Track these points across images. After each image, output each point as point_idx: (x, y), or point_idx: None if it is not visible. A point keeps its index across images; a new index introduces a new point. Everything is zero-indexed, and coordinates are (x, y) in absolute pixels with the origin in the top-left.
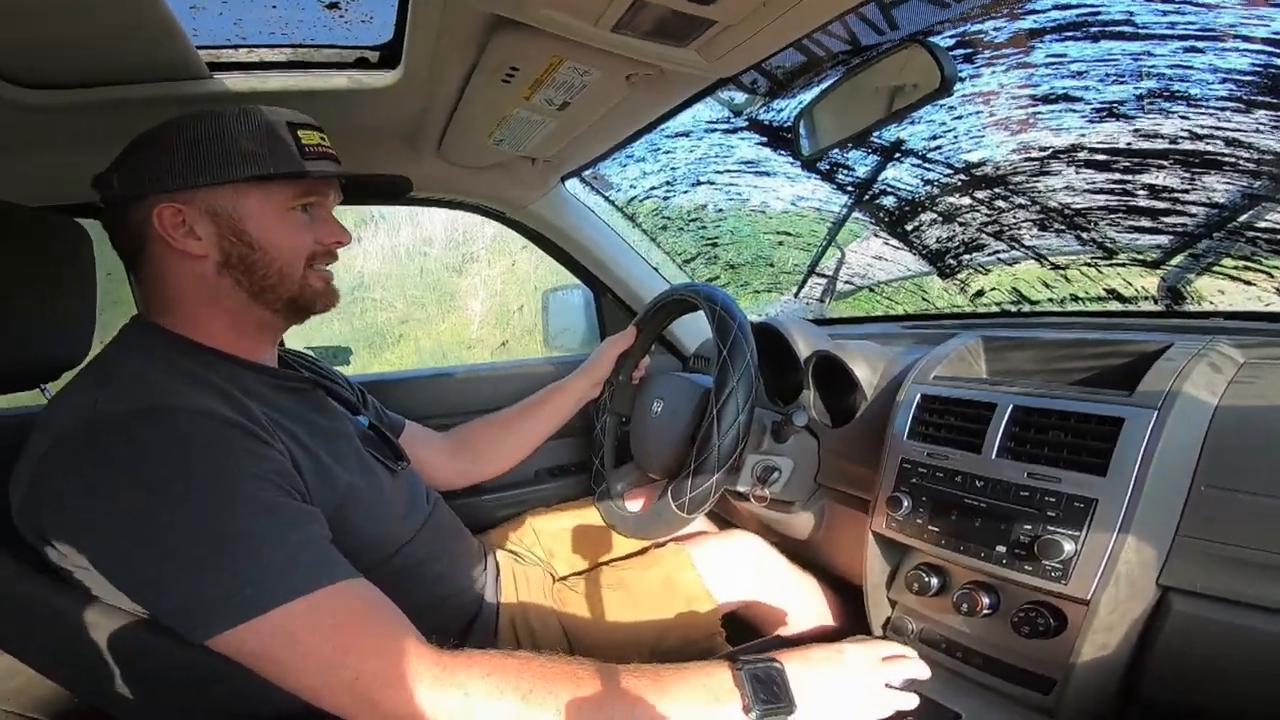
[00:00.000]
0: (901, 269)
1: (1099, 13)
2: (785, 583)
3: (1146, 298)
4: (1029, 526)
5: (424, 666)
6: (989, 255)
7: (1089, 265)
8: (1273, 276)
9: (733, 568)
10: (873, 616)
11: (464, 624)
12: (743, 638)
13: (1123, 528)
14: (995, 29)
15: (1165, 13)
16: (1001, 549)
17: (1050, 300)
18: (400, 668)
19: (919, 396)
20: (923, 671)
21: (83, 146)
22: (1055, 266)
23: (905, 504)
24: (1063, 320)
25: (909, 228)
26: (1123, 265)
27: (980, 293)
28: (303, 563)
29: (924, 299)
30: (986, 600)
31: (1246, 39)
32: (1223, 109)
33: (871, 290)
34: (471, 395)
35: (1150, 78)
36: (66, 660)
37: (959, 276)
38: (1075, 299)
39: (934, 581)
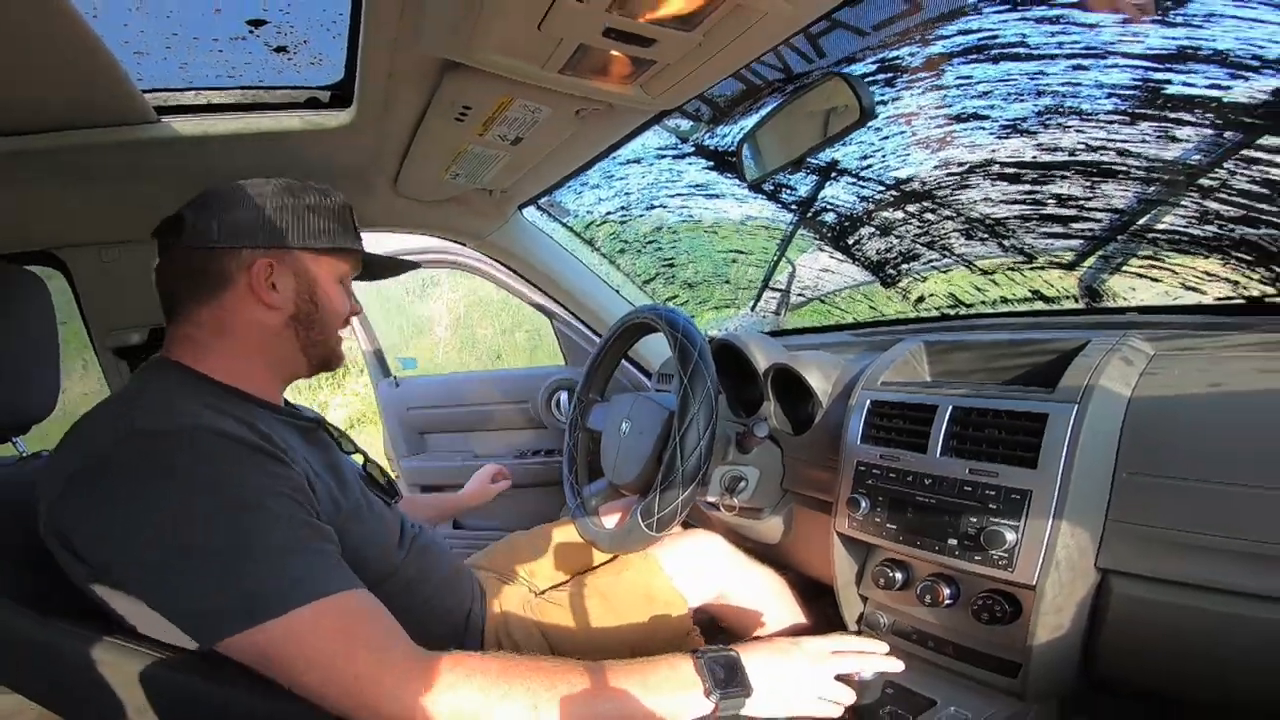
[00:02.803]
0: (848, 280)
1: (996, 36)
2: (752, 578)
3: (1068, 296)
4: (974, 519)
5: (417, 668)
6: (924, 264)
7: (1013, 269)
8: (1175, 273)
9: (700, 567)
10: (846, 614)
11: (453, 639)
12: (717, 635)
13: (1056, 515)
14: (910, 54)
15: (1053, 34)
16: (953, 542)
17: (983, 303)
18: (396, 669)
19: (869, 402)
20: (894, 665)
21: (32, 193)
22: (984, 272)
23: (863, 504)
24: (995, 322)
25: (850, 241)
26: (1042, 268)
27: (921, 299)
28: (314, 572)
29: (871, 307)
30: (947, 591)
31: (1125, 55)
32: (1110, 122)
33: (822, 301)
34: None
35: (1046, 95)
36: (72, 696)
37: (900, 285)
38: (1005, 300)
39: (898, 576)
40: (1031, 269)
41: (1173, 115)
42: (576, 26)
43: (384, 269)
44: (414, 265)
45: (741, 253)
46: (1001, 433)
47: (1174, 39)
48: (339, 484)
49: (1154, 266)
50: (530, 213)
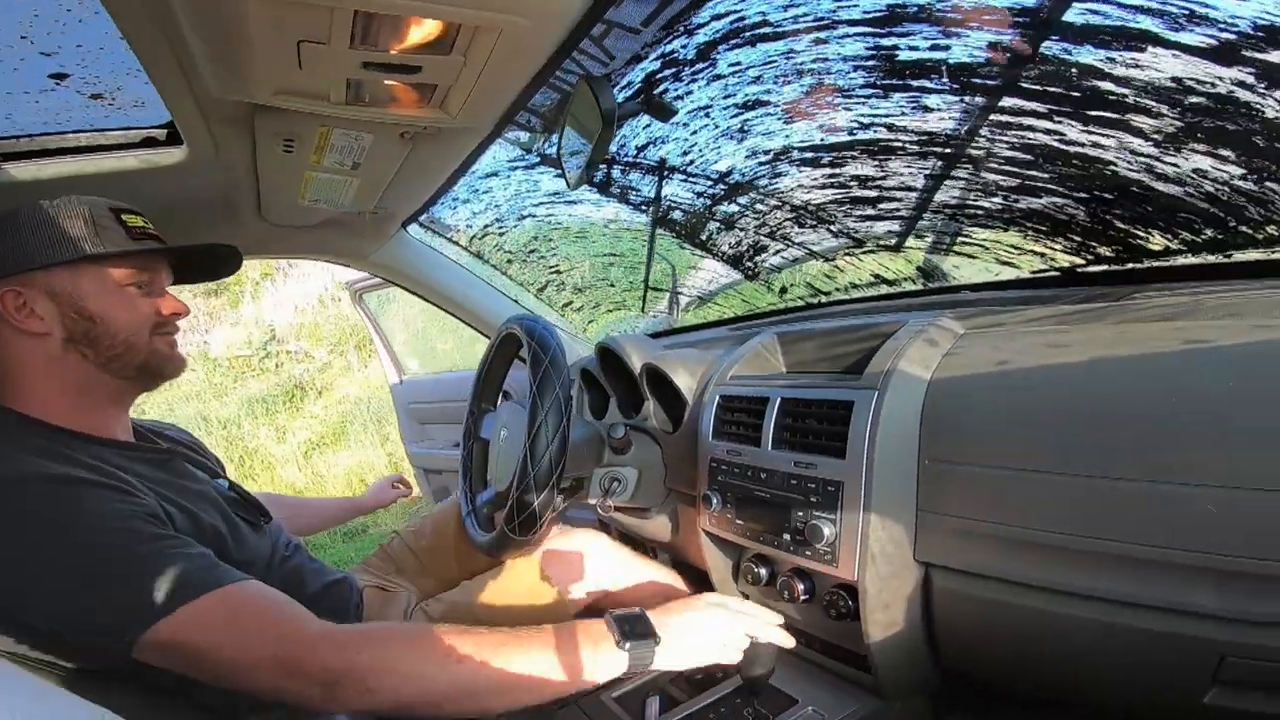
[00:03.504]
0: (720, 276)
1: (743, 17)
2: (637, 574)
3: (907, 278)
4: (800, 513)
5: (332, 633)
6: (774, 254)
7: (849, 255)
8: (987, 248)
9: (581, 566)
10: None
11: None
12: None
13: (865, 507)
14: (682, 46)
15: (785, 7)
16: (786, 536)
17: (837, 289)
18: (311, 637)
19: (718, 398)
20: (786, 639)
21: None
22: (826, 259)
23: (715, 501)
24: (849, 307)
25: (703, 238)
26: (873, 252)
27: (784, 289)
28: (202, 568)
29: (744, 301)
30: (801, 587)
31: (848, 23)
32: (868, 97)
33: (703, 298)
34: None
35: (806, 74)
36: None
37: (760, 277)
38: (854, 286)
39: (762, 572)
40: (864, 253)
41: (914, 84)
42: (334, 64)
43: (199, 264)
44: (227, 249)
45: (615, 255)
46: (821, 423)
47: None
48: (200, 509)
49: (968, 243)
50: (416, 230)
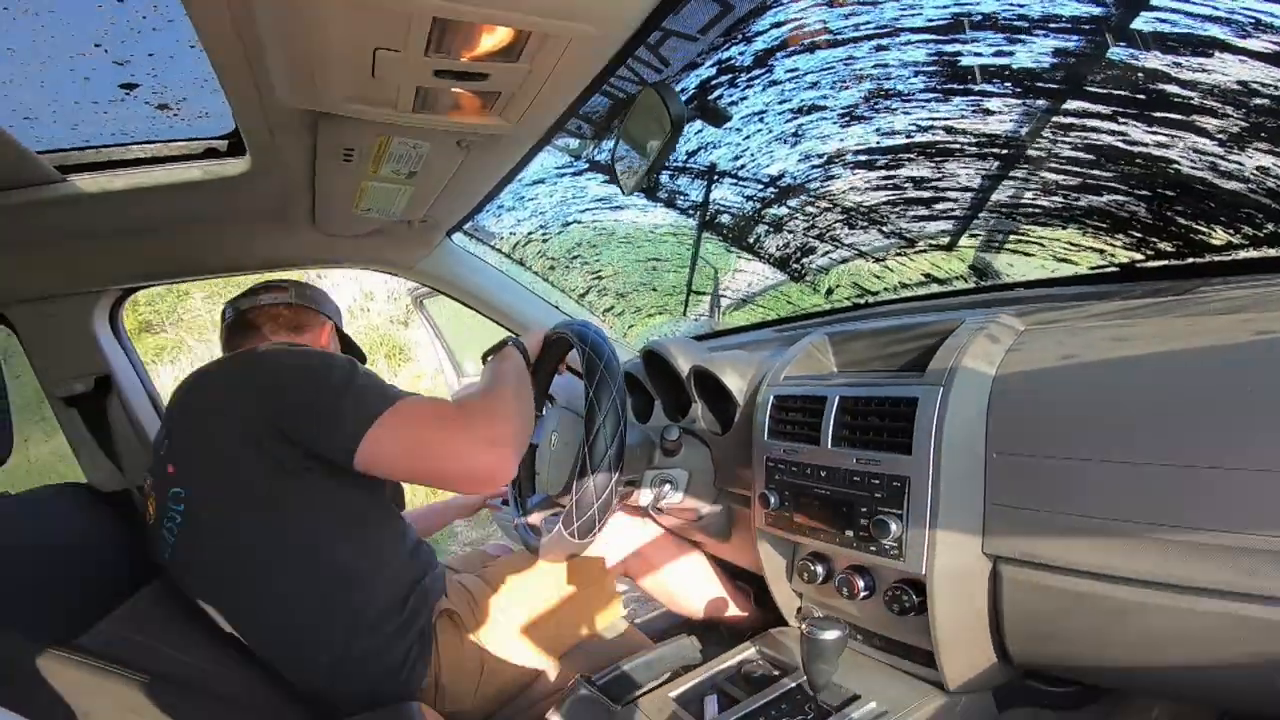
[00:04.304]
0: (764, 278)
1: (803, 24)
2: (671, 553)
3: (959, 276)
4: (864, 509)
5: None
6: (822, 256)
7: (900, 254)
8: (1044, 246)
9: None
10: (783, 609)
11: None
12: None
13: (934, 502)
14: (740, 53)
15: (847, 15)
16: (850, 533)
17: (886, 289)
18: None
19: (772, 398)
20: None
21: None
22: (876, 259)
23: (773, 499)
24: (898, 306)
25: (751, 241)
26: (924, 252)
27: (830, 290)
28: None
29: (789, 302)
30: (862, 583)
31: (912, 30)
32: (928, 100)
33: (746, 301)
34: None
35: (865, 80)
36: None
37: (808, 279)
38: (904, 285)
39: (819, 570)
40: (916, 252)
41: (976, 88)
42: (407, 72)
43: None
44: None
45: (659, 259)
46: (884, 420)
47: (946, 6)
48: None
49: (1024, 241)
50: (459, 239)
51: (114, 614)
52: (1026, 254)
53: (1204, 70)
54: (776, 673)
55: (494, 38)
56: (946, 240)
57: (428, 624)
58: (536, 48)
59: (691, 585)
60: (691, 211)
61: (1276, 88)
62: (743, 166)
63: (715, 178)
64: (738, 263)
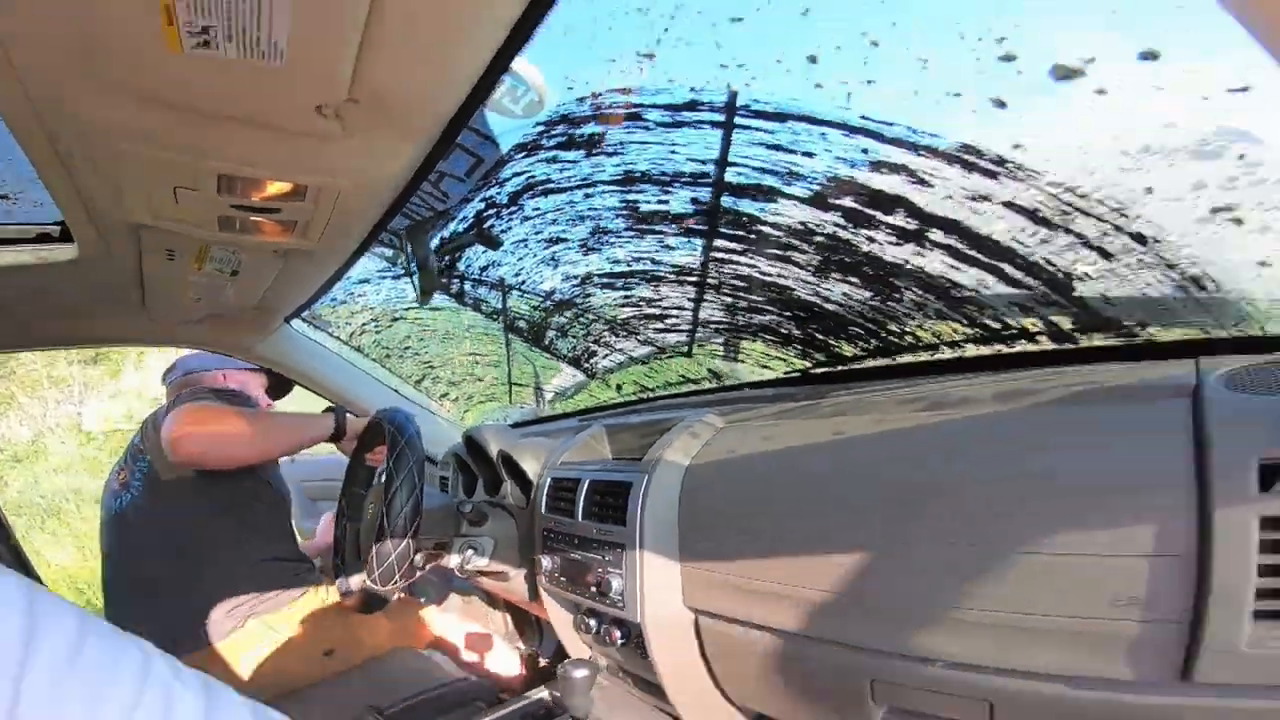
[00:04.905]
0: (576, 373)
1: (531, 175)
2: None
3: (704, 378)
4: (600, 569)
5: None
6: (604, 358)
7: (657, 359)
8: (751, 356)
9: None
10: (573, 655)
11: None
12: None
13: (641, 563)
14: (496, 193)
15: (561, 169)
16: (594, 589)
17: (658, 387)
18: None
19: (549, 479)
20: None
21: None
22: (642, 362)
23: (547, 563)
24: (662, 403)
25: (545, 344)
26: (671, 358)
27: (619, 386)
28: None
29: (590, 395)
30: (618, 632)
31: (603, 183)
32: (633, 237)
33: (562, 394)
34: None
35: (586, 220)
36: None
37: (597, 377)
38: (669, 384)
39: (592, 623)
40: (667, 358)
41: (655, 228)
42: (206, 206)
43: None
44: None
45: (478, 354)
46: (614, 498)
47: (619, 165)
48: None
49: (736, 350)
50: (299, 325)
51: None
52: (743, 361)
53: (778, 214)
54: (558, 709)
55: (277, 186)
56: (685, 349)
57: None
58: (317, 194)
59: (496, 649)
60: (495, 317)
61: (826, 227)
62: (524, 282)
63: (505, 290)
64: (548, 359)
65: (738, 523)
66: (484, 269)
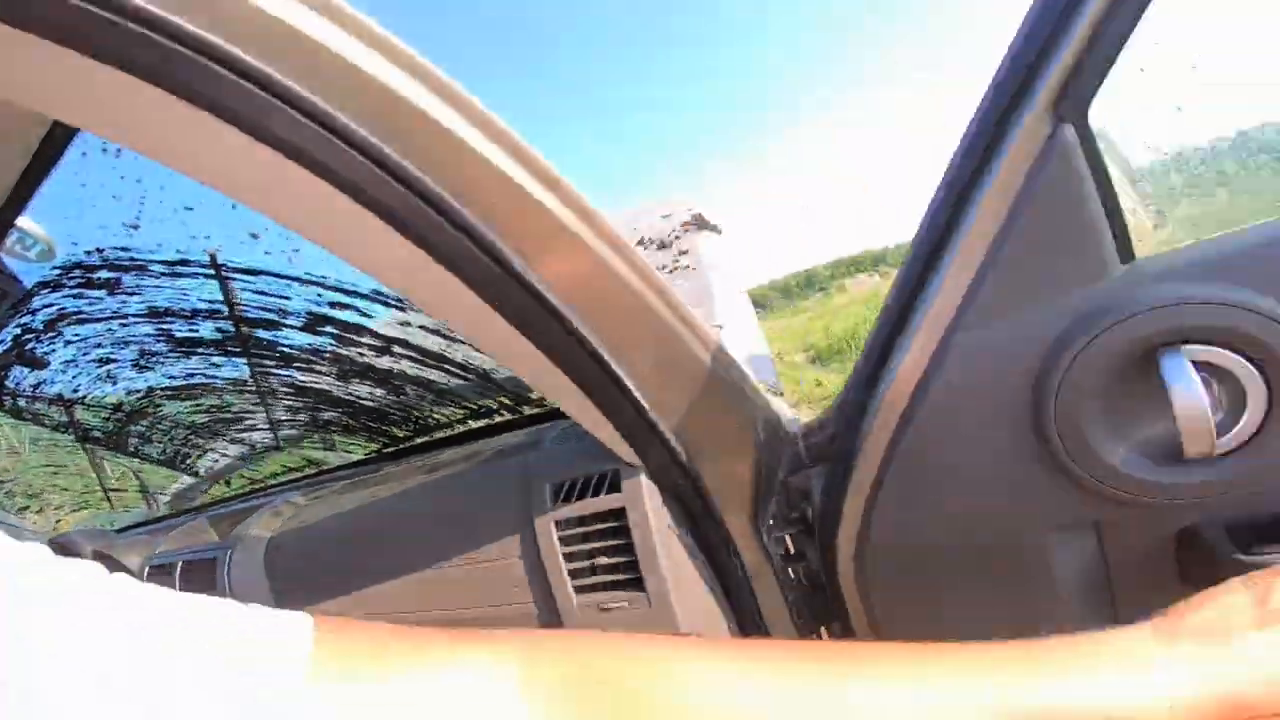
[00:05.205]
0: (177, 474)
1: (61, 307)
2: None
3: (305, 465)
4: None
5: None
6: (198, 459)
7: (257, 455)
8: (333, 443)
9: None
10: None
11: None
12: None
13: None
14: (30, 320)
15: (92, 303)
16: None
17: (265, 478)
18: None
19: (149, 567)
20: None
21: None
22: (242, 459)
23: None
24: (269, 490)
25: (133, 450)
26: (265, 452)
27: (228, 481)
28: None
29: (204, 492)
30: None
31: (140, 315)
32: (179, 356)
33: (177, 496)
34: None
35: (129, 344)
36: None
37: (203, 475)
38: (274, 475)
39: None
40: (263, 452)
41: (195, 350)
42: None
43: None
44: None
45: (54, 466)
46: (205, 574)
47: (141, 302)
48: None
49: (326, 440)
50: None
51: None
52: (331, 449)
53: (289, 338)
54: None
55: None
56: (275, 444)
57: None
58: None
59: None
60: (62, 430)
61: (330, 344)
62: (85, 397)
63: (67, 405)
64: (149, 464)
65: (319, 575)
66: (36, 386)
